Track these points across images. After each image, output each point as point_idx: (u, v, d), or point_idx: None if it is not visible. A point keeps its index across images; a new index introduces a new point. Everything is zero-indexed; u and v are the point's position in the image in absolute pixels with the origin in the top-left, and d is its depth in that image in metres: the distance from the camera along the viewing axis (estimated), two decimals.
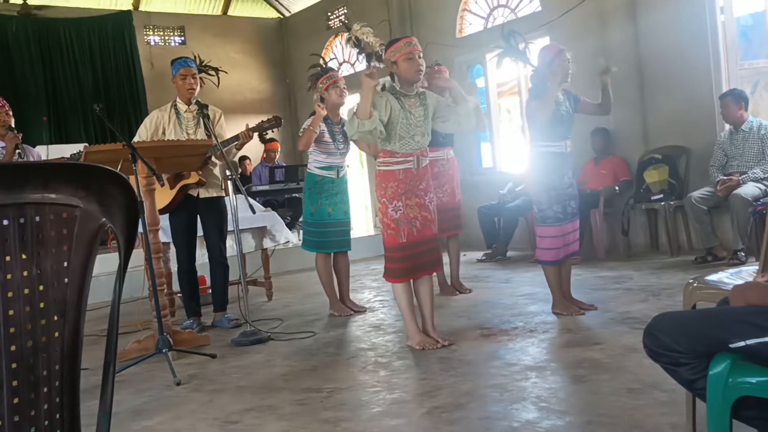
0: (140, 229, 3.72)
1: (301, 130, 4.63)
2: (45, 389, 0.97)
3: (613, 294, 4.46)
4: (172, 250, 4.80)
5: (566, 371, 2.93)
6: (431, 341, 3.52)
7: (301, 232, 7.95)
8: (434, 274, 3.78)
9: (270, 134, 6.88)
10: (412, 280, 3.61)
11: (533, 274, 5.55)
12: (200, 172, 4.40)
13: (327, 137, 4.59)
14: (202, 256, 4.80)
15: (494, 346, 3.44)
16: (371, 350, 3.63)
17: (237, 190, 3.99)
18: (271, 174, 8.27)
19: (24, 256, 0.93)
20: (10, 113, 4.26)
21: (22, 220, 0.93)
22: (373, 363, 3.37)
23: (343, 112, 4.84)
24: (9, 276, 0.93)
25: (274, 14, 11.38)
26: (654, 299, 4.17)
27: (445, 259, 4.17)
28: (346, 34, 3.82)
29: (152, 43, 10.35)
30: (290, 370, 3.36)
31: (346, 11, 9.73)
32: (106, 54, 9.78)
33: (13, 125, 4.22)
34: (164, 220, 4.45)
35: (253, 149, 8.32)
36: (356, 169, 10.42)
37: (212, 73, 4.66)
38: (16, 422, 0.94)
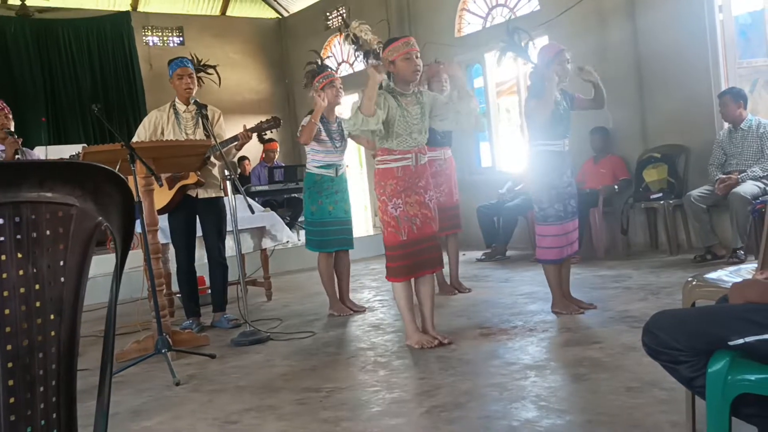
0: (139, 229, 3.72)
1: (300, 127, 4.63)
2: (41, 388, 0.97)
3: (613, 293, 4.46)
4: (171, 250, 4.80)
5: (566, 370, 2.93)
6: (429, 339, 3.51)
7: (300, 232, 8.01)
8: (434, 273, 3.78)
9: (269, 134, 6.89)
10: (413, 280, 3.61)
11: (532, 273, 5.55)
12: (199, 173, 4.40)
13: (324, 136, 4.59)
14: (201, 256, 4.79)
15: (493, 345, 3.44)
16: (370, 350, 3.63)
17: (236, 191, 3.99)
18: (270, 174, 8.27)
19: (20, 255, 0.93)
20: (10, 116, 4.23)
21: (17, 219, 0.92)
22: (372, 362, 3.36)
23: (339, 111, 4.83)
24: (5, 275, 0.92)
25: (272, 14, 11.38)
26: (653, 298, 4.17)
27: (444, 258, 4.16)
28: (344, 32, 3.82)
29: (151, 44, 10.35)
30: (290, 370, 3.36)
31: (344, 11, 9.73)
32: (105, 55, 9.78)
33: (13, 129, 4.19)
34: (163, 221, 4.45)
35: (252, 149, 8.32)
36: (355, 169, 10.42)
37: (211, 72, 4.64)
38: (12, 422, 0.94)
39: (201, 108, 4.32)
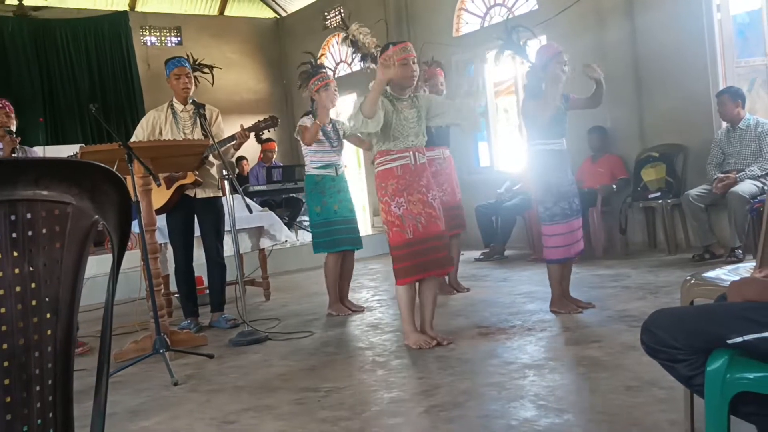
0: (137, 229, 3.71)
1: (298, 127, 4.62)
2: (37, 388, 0.97)
3: (611, 292, 4.46)
4: (170, 250, 4.79)
5: (564, 369, 2.92)
6: (427, 339, 3.51)
7: (299, 231, 8.00)
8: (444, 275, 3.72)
9: (267, 134, 6.88)
10: (417, 282, 3.58)
11: (531, 272, 5.55)
12: (197, 173, 4.39)
13: (321, 136, 4.59)
14: (199, 256, 4.78)
15: (492, 344, 3.44)
16: (369, 349, 3.62)
17: (234, 190, 3.98)
18: (269, 174, 8.26)
19: (16, 254, 0.92)
20: (12, 115, 4.19)
21: (13, 217, 0.92)
22: (370, 362, 3.36)
23: (338, 112, 4.82)
24: (0, 273, 0.92)
25: (270, 14, 11.37)
26: (652, 297, 4.17)
27: None
28: (343, 33, 3.81)
29: (149, 44, 10.34)
30: (288, 370, 3.35)
31: (342, 11, 9.72)
32: (103, 55, 9.77)
33: (13, 128, 4.16)
34: (161, 221, 4.44)
35: (250, 149, 8.31)
36: (353, 169, 10.42)
37: (206, 71, 4.64)
38: (8, 421, 0.94)
39: (199, 108, 4.31)
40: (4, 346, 0.92)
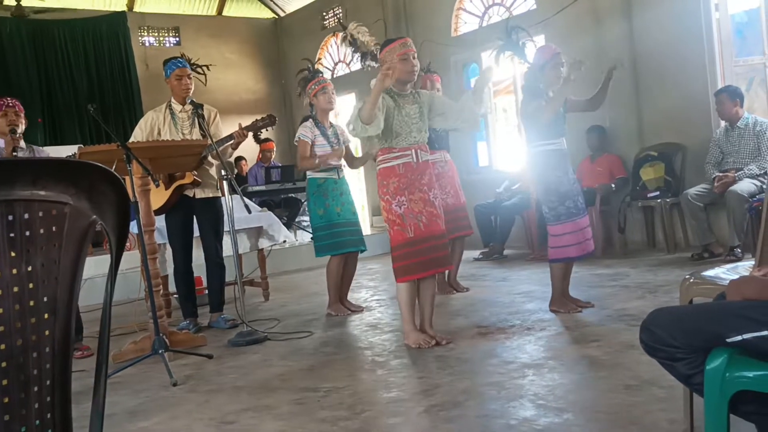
0: (135, 230, 3.70)
1: (297, 137, 4.62)
2: (35, 388, 0.96)
3: (610, 291, 4.46)
4: (168, 251, 4.78)
5: (564, 368, 2.92)
6: (427, 339, 3.51)
7: (298, 232, 8.00)
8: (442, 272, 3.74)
9: (265, 134, 6.88)
10: (417, 280, 3.58)
11: (530, 272, 5.55)
12: (195, 173, 4.38)
13: (321, 140, 4.60)
14: (198, 256, 4.78)
15: (491, 344, 3.43)
16: (368, 349, 3.62)
17: (233, 191, 3.98)
18: (267, 174, 8.26)
19: (13, 254, 0.92)
20: (22, 116, 4.17)
21: (10, 218, 0.92)
22: (370, 362, 3.36)
23: (332, 115, 4.82)
24: None
25: (268, 14, 11.37)
26: (651, 296, 4.17)
27: None
28: (341, 33, 3.81)
29: (147, 44, 10.33)
30: (287, 370, 3.35)
31: (340, 11, 9.72)
32: (101, 55, 9.76)
33: (21, 129, 4.15)
34: (160, 221, 4.43)
35: (249, 150, 8.31)
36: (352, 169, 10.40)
37: (200, 71, 4.64)
38: (6, 421, 0.93)
39: (197, 108, 4.31)
40: (2, 346, 0.92)
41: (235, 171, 9.39)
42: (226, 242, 4.74)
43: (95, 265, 5.08)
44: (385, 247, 7.62)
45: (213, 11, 10.97)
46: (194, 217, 4.54)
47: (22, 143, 4.13)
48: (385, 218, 3.58)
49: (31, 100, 9.08)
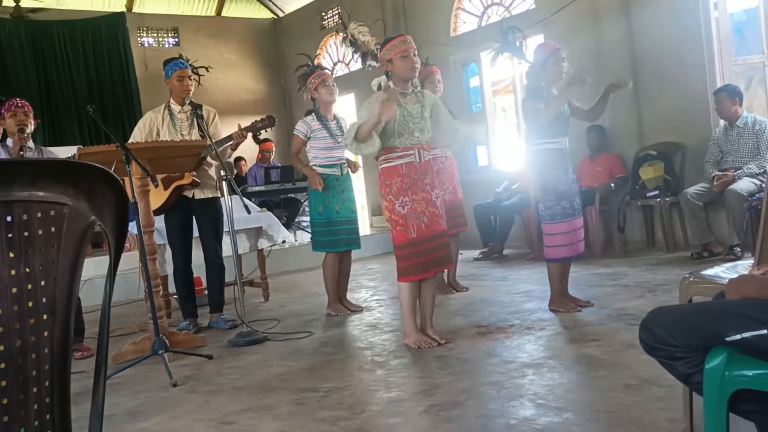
0: (135, 230, 3.70)
1: (296, 128, 4.64)
2: (34, 389, 0.96)
3: (610, 290, 4.46)
4: (168, 251, 4.78)
5: (563, 368, 2.92)
6: (427, 340, 3.51)
7: (297, 232, 8.00)
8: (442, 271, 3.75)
9: (264, 134, 6.88)
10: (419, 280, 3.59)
11: (529, 271, 5.55)
12: (194, 173, 4.38)
13: (324, 133, 4.60)
14: (198, 257, 4.78)
15: (491, 343, 3.44)
16: (368, 349, 3.62)
17: (232, 191, 3.98)
18: (267, 174, 8.26)
19: (11, 255, 0.92)
20: (30, 116, 4.17)
21: (9, 218, 0.91)
22: (370, 362, 3.36)
23: (335, 109, 4.82)
24: None
25: (267, 14, 11.37)
26: (650, 295, 4.17)
27: None
28: (341, 34, 3.81)
29: (146, 45, 10.33)
30: (287, 370, 3.35)
31: (339, 11, 9.72)
32: (100, 56, 9.75)
33: (29, 129, 4.15)
34: (159, 221, 4.43)
35: (248, 150, 8.31)
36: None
37: (196, 71, 4.64)
38: (5, 423, 0.93)
39: (196, 108, 4.31)
40: (1, 348, 0.92)
41: (235, 171, 9.39)
42: (226, 242, 4.74)
43: (95, 266, 5.08)
44: (385, 247, 7.63)
45: (212, 12, 10.96)
46: (193, 217, 4.54)
47: (31, 143, 4.13)
48: (388, 218, 3.58)
49: (30, 101, 8.95)
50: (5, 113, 4.12)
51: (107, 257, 1.09)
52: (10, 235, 0.92)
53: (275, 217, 5.80)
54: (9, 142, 4.16)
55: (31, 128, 4.14)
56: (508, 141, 8.29)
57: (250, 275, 5.99)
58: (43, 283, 0.96)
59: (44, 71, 9.33)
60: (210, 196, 4.53)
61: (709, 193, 5.28)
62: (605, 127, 6.37)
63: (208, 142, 4.14)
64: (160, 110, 4.52)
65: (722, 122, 5.52)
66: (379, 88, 3.62)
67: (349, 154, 4.62)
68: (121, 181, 1.11)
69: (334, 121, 4.68)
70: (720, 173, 5.24)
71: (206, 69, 4.72)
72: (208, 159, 4.45)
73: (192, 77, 4.47)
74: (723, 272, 2.07)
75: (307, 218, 8.16)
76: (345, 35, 3.75)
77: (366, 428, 2.44)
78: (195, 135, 4.41)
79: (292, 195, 8.41)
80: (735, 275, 1.86)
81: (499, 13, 7.70)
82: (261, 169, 8.62)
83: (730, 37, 5.84)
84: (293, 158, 4.79)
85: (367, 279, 6.16)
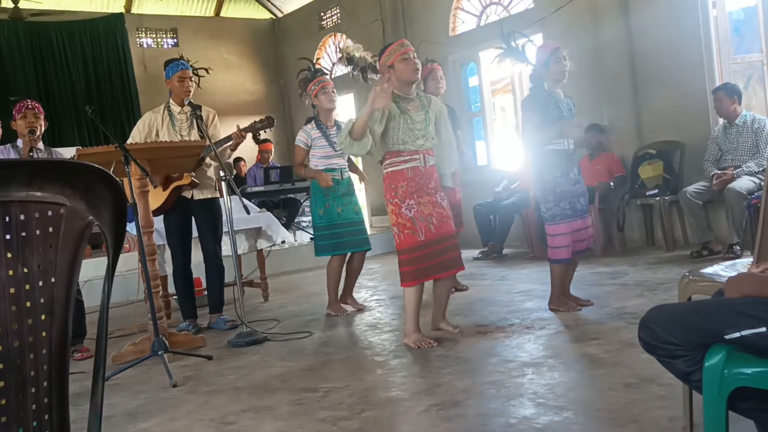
0: (134, 231, 3.70)
1: (298, 138, 4.66)
2: (33, 390, 0.96)
3: (609, 289, 4.46)
4: (168, 252, 4.78)
5: (563, 367, 2.92)
6: (428, 340, 3.50)
7: (297, 232, 8.00)
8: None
9: (263, 135, 6.89)
10: (428, 282, 3.58)
11: (529, 270, 5.56)
12: (193, 174, 4.38)
13: (324, 141, 4.60)
14: (197, 257, 4.78)
15: (491, 343, 3.43)
16: (368, 349, 3.62)
17: (231, 191, 3.98)
18: (266, 175, 8.26)
19: (9, 255, 0.92)
20: (41, 117, 4.17)
21: (7, 219, 0.91)
22: (370, 362, 3.36)
23: (336, 114, 4.83)
24: None
25: (266, 15, 11.37)
26: (650, 294, 4.17)
27: None
28: (339, 55, 3.84)
29: (145, 46, 10.33)
30: (287, 371, 3.35)
31: (338, 11, 9.72)
32: (99, 57, 9.76)
33: (39, 131, 4.14)
34: (159, 222, 4.43)
35: (248, 150, 8.31)
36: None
37: (196, 73, 4.64)
38: (3, 423, 0.93)
39: (195, 109, 4.31)
40: None
41: (234, 172, 9.39)
42: (225, 243, 4.74)
43: (94, 267, 5.08)
44: (385, 247, 7.63)
45: (211, 12, 10.97)
46: (193, 218, 4.54)
47: (41, 144, 4.14)
48: (393, 222, 3.55)
49: None
50: (16, 114, 4.12)
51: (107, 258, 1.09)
52: (7, 236, 0.92)
53: (275, 218, 5.80)
54: (20, 143, 4.17)
55: (41, 130, 4.14)
56: (506, 140, 8.30)
57: (250, 276, 5.99)
58: (41, 283, 0.96)
59: (43, 72, 9.33)
60: (209, 196, 4.53)
61: (708, 192, 5.28)
62: (604, 126, 6.36)
63: (208, 142, 4.14)
64: (159, 111, 4.52)
65: (721, 121, 5.52)
66: None
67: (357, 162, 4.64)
68: (120, 182, 1.10)
69: (335, 128, 4.67)
70: (719, 172, 5.24)
71: (206, 71, 4.72)
72: (208, 159, 4.45)
73: (192, 78, 4.48)
74: (722, 270, 2.08)
75: (307, 218, 8.18)
76: (341, 56, 3.78)
77: (366, 428, 2.44)
78: (194, 136, 4.41)
79: (292, 195, 8.41)
80: (734, 273, 1.86)
81: (497, 13, 7.70)
82: (260, 169, 8.62)
83: (728, 35, 5.84)
84: (297, 168, 4.75)
85: (367, 279, 6.16)
